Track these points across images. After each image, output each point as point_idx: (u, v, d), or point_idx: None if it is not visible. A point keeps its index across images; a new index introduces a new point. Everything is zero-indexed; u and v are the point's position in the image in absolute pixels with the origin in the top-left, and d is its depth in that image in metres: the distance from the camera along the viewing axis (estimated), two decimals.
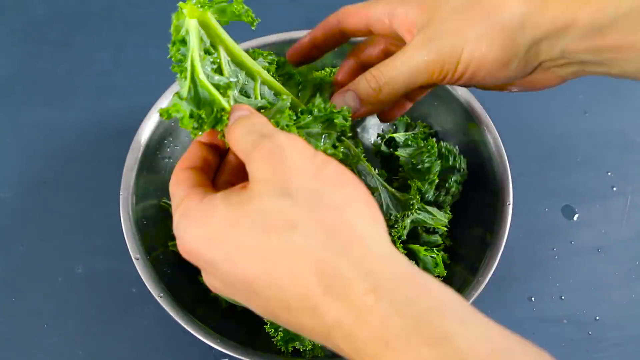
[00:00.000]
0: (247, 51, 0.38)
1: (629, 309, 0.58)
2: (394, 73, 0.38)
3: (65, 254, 0.59)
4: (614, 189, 0.65)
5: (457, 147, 0.55)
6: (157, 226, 0.52)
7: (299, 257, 0.27)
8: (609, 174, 0.66)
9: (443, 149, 0.54)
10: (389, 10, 0.39)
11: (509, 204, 0.50)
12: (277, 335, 0.47)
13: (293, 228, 0.27)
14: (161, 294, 0.45)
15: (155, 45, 0.74)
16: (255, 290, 0.28)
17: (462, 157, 0.55)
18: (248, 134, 0.31)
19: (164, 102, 0.53)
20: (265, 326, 0.48)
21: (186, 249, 0.30)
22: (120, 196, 0.49)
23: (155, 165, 0.54)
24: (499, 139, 0.53)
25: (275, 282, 0.27)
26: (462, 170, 0.54)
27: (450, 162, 0.54)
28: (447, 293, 0.27)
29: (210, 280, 0.31)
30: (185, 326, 0.44)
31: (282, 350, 0.47)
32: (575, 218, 0.63)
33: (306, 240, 0.27)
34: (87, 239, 0.60)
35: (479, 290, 0.46)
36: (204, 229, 0.30)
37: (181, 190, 0.32)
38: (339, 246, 0.27)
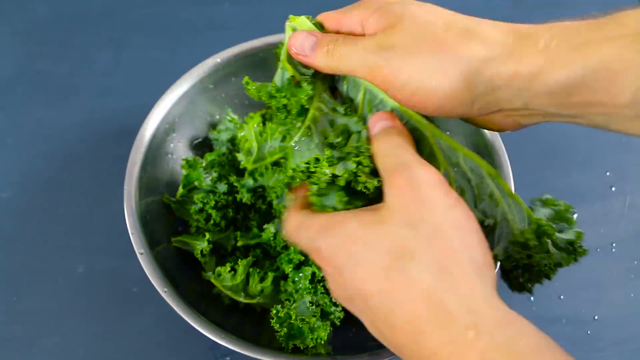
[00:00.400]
0: None
1: (628, 308, 0.58)
2: (347, 53, 0.37)
3: (66, 254, 0.59)
4: (613, 189, 0.65)
5: None
6: (160, 222, 0.53)
7: (412, 285, 0.30)
8: (608, 174, 0.66)
9: None
10: (362, 17, 0.38)
11: None
12: (280, 331, 0.47)
13: (412, 258, 0.30)
14: (165, 289, 0.45)
15: (155, 45, 0.74)
16: (369, 305, 0.31)
17: None
18: (389, 157, 0.35)
19: (167, 100, 0.54)
20: (271, 320, 0.49)
21: (322, 255, 0.34)
22: (125, 190, 0.49)
23: (158, 162, 0.55)
24: (499, 139, 0.53)
25: (388, 303, 0.30)
26: None
27: None
28: (544, 338, 0.29)
29: (334, 287, 0.35)
30: (190, 321, 0.44)
31: (283, 346, 0.47)
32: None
33: (420, 271, 0.30)
34: (87, 239, 0.60)
35: None
36: (338, 239, 0.33)
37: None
38: (449, 282, 0.29)
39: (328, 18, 0.40)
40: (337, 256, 0.33)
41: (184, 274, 0.51)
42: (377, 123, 0.37)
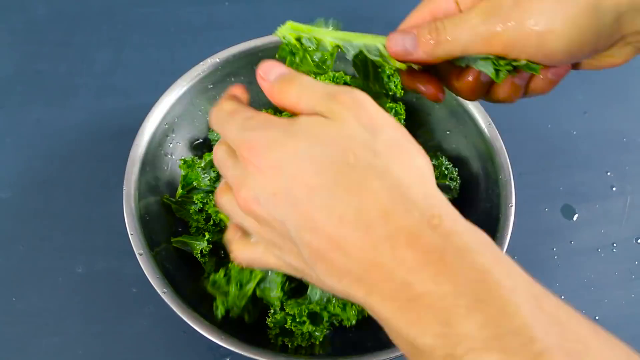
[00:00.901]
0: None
1: (629, 308, 0.58)
2: (455, 35, 0.35)
3: (65, 254, 0.59)
4: (614, 189, 0.65)
5: (449, 162, 0.57)
6: (159, 222, 0.52)
7: (372, 178, 0.28)
8: (609, 173, 0.66)
9: (443, 168, 0.55)
10: None
11: (512, 206, 0.50)
12: (273, 330, 0.48)
13: (374, 155, 0.29)
14: (165, 290, 0.45)
15: (155, 45, 0.74)
16: (313, 198, 0.28)
17: (455, 172, 0.56)
18: (319, 87, 0.32)
19: (166, 100, 0.54)
20: (267, 319, 0.49)
21: (249, 149, 0.30)
22: (124, 191, 0.49)
23: (157, 162, 0.54)
24: (500, 139, 0.53)
25: (339, 193, 0.28)
26: (454, 190, 0.56)
27: (447, 182, 0.55)
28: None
29: (256, 187, 0.30)
30: (189, 322, 0.44)
31: (272, 341, 0.48)
32: (575, 218, 0.63)
33: (382, 168, 0.28)
34: (87, 239, 0.60)
35: None
36: (281, 134, 0.30)
37: (232, 108, 0.34)
38: (412, 181, 0.28)
39: (418, 14, 0.38)
40: (278, 149, 0.29)
41: (184, 274, 0.50)
42: (272, 70, 0.34)
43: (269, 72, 0.34)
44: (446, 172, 0.55)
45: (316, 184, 0.28)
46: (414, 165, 0.29)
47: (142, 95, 0.69)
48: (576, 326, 0.25)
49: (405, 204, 0.27)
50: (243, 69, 0.57)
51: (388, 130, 0.30)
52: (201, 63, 0.55)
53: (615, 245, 0.62)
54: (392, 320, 0.26)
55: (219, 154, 0.34)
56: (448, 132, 0.59)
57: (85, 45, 0.74)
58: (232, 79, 0.57)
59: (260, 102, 0.59)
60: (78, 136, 0.66)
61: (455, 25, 0.35)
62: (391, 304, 0.26)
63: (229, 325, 0.46)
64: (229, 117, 0.33)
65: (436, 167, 0.55)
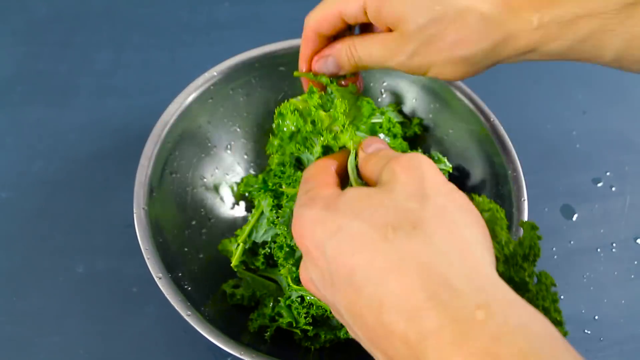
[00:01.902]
0: None
1: (628, 308, 0.58)
2: (368, 58, 0.41)
3: (66, 254, 0.59)
4: (613, 189, 0.65)
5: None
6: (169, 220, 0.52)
7: (409, 255, 0.26)
8: (608, 174, 0.66)
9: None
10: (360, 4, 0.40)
11: (524, 200, 0.50)
12: (271, 327, 0.49)
13: (414, 227, 0.27)
14: (160, 275, 0.45)
15: (155, 45, 0.74)
16: (353, 281, 0.27)
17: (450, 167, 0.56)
18: (383, 156, 0.34)
19: (167, 116, 0.53)
20: (251, 314, 0.50)
21: (298, 230, 0.30)
22: (134, 214, 0.48)
23: (163, 181, 0.53)
24: (506, 136, 0.53)
25: (376, 274, 0.26)
26: None
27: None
28: (552, 325, 0.25)
29: (310, 268, 0.31)
30: (191, 322, 0.44)
31: (251, 331, 0.49)
32: (574, 218, 0.63)
33: (421, 242, 0.26)
34: (87, 239, 0.60)
35: None
36: (323, 212, 0.29)
37: (317, 180, 0.35)
38: (453, 257, 0.26)
39: (326, 11, 0.42)
40: (319, 228, 0.29)
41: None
42: (371, 145, 0.37)
43: (369, 146, 0.37)
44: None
45: (354, 264, 0.27)
46: (462, 236, 0.27)
47: (142, 95, 0.69)
48: None
49: (447, 290, 0.24)
50: (241, 79, 0.56)
51: (438, 196, 0.29)
52: (201, 76, 0.54)
53: (614, 245, 0.62)
54: None
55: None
56: (451, 131, 0.59)
57: (85, 46, 0.74)
58: (230, 92, 0.57)
59: (257, 112, 0.59)
60: (78, 136, 0.66)
61: (367, 49, 0.41)
62: None
63: (230, 326, 0.47)
64: (299, 189, 0.35)
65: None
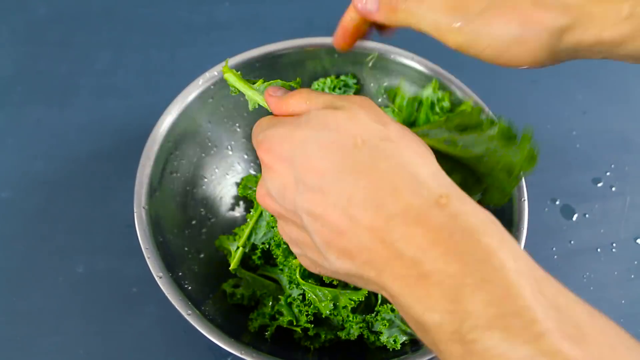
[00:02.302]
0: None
1: (628, 308, 0.58)
2: (414, 10, 0.36)
3: (66, 254, 0.59)
4: (613, 189, 0.65)
5: None
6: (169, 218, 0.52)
7: (380, 159, 0.29)
8: (608, 174, 0.66)
9: None
10: None
11: (524, 200, 0.50)
12: (272, 325, 0.49)
13: (381, 140, 0.29)
14: (160, 274, 0.45)
15: (155, 45, 0.74)
16: (321, 182, 0.29)
17: None
18: (321, 96, 0.33)
19: (167, 119, 0.52)
20: (251, 314, 0.50)
21: (267, 145, 0.32)
22: (135, 213, 0.48)
23: (163, 182, 0.53)
24: None
25: (347, 174, 0.28)
26: None
27: None
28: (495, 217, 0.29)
29: (269, 183, 0.32)
30: (192, 321, 0.44)
31: (251, 330, 0.49)
32: (574, 218, 0.63)
33: (391, 150, 0.29)
34: (87, 239, 0.60)
35: None
36: (290, 128, 0.31)
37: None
38: (420, 162, 0.29)
39: None
40: (287, 142, 0.31)
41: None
42: (280, 89, 0.37)
43: (277, 90, 0.36)
44: None
45: (324, 168, 0.29)
46: (421, 151, 0.30)
47: (142, 95, 0.69)
48: (575, 310, 0.26)
49: (414, 183, 0.28)
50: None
51: (395, 124, 0.31)
52: (201, 76, 0.54)
53: (614, 245, 0.62)
54: (402, 297, 0.27)
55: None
56: None
57: (85, 46, 0.74)
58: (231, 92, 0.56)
59: (257, 112, 0.58)
60: (79, 136, 0.66)
61: (419, 2, 0.36)
62: (401, 281, 0.27)
63: (231, 326, 0.47)
64: (255, 127, 0.35)
65: None
